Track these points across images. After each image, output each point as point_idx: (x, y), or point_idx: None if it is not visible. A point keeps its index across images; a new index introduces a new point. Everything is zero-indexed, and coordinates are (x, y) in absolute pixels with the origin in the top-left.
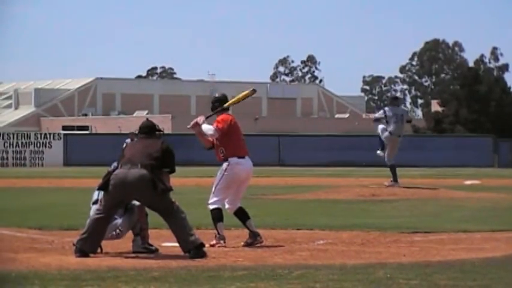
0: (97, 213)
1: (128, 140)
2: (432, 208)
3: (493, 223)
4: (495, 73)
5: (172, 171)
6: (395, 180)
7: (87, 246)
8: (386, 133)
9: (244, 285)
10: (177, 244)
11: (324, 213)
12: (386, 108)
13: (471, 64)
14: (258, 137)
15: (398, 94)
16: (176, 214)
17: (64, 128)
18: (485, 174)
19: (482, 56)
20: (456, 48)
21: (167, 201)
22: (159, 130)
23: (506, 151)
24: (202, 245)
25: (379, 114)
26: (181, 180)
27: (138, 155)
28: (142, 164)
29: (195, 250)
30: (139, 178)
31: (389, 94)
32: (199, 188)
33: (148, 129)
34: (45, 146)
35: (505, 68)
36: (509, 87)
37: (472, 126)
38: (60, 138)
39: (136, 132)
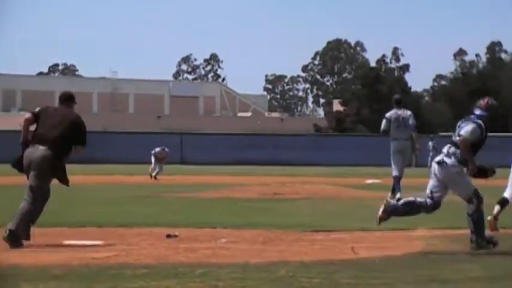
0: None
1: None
2: (334, 207)
3: (393, 222)
4: (396, 73)
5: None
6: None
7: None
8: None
9: (147, 283)
10: (80, 242)
11: (226, 212)
12: (387, 114)
13: (373, 64)
14: (161, 135)
15: (397, 96)
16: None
17: None
18: (386, 173)
19: (383, 56)
20: (358, 48)
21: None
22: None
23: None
24: (12, 233)
25: (383, 125)
26: (83, 177)
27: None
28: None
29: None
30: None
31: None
32: (99, 185)
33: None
34: None
35: (405, 68)
36: (410, 87)
37: (373, 126)
38: None
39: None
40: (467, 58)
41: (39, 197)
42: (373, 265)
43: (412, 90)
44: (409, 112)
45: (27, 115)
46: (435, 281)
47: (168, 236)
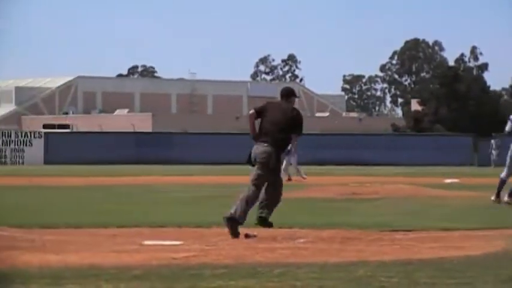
0: None
1: None
2: (412, 206)
3: (472, 221)
4: (474, 72)
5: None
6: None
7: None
8: None
9: (225, 283)
10: (159, 242)
11: (304, 212)
12: (511, 116)
13: (451, 63)
14: (239, 136)
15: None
16: None
17: (45, 126)
18: (464, 173)
19: (462, 55)
20: (436, 48)
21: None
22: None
23: (485, 150)
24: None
25: (508, 126)
26: (162, 178)
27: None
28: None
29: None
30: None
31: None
32: (178, 186)
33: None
34: (26, 145)
35: (484, 67)
36: (489, 86)
37: (451, 125)
38: (41, 137)
39: None
40: None
41: (277, 186)
42: (451, 265)
43: (491, 89)
44: None
45: (251, 111)
46: None
47: (247, 236)
